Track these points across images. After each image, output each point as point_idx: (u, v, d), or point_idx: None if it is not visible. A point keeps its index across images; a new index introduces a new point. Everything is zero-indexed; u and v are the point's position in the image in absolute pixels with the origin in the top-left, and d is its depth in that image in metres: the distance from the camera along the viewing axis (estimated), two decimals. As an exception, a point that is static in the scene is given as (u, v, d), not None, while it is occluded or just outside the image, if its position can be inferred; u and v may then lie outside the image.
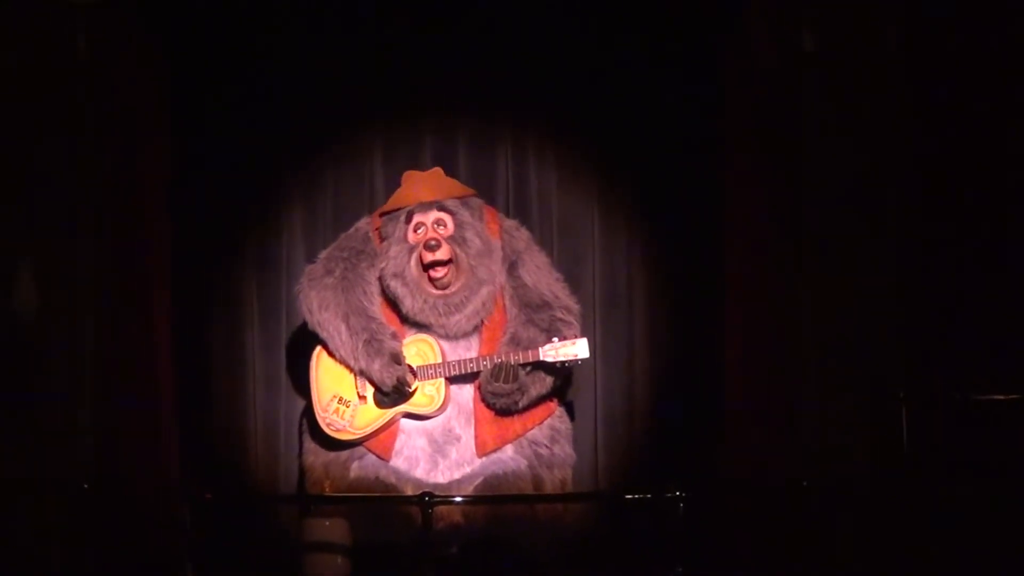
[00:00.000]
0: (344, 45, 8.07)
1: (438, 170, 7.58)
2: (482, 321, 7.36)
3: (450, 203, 7.39)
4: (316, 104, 8.12)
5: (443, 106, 8.18)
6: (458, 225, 7.34)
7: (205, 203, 8.07)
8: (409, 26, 8.05)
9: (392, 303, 7.35)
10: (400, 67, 8.09)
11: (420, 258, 7.26)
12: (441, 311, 7.27)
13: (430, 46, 8.07)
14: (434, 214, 7.35)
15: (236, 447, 8.04)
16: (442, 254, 7.25)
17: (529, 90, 8.12)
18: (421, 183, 7.47)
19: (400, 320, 7.38)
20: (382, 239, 7.43)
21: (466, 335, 7.36)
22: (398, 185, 7.59)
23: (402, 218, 7.38)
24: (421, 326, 7.34)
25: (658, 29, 7.99)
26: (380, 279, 7.36)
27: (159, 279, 7.82)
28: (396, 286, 7.29)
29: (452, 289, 7.27)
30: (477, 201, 7.51)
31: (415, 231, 7.34)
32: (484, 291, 7.31)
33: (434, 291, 7.27)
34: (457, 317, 7.29)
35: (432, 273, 7.25)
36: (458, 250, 7.29)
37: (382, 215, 7.51)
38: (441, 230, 7.32)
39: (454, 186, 7.53)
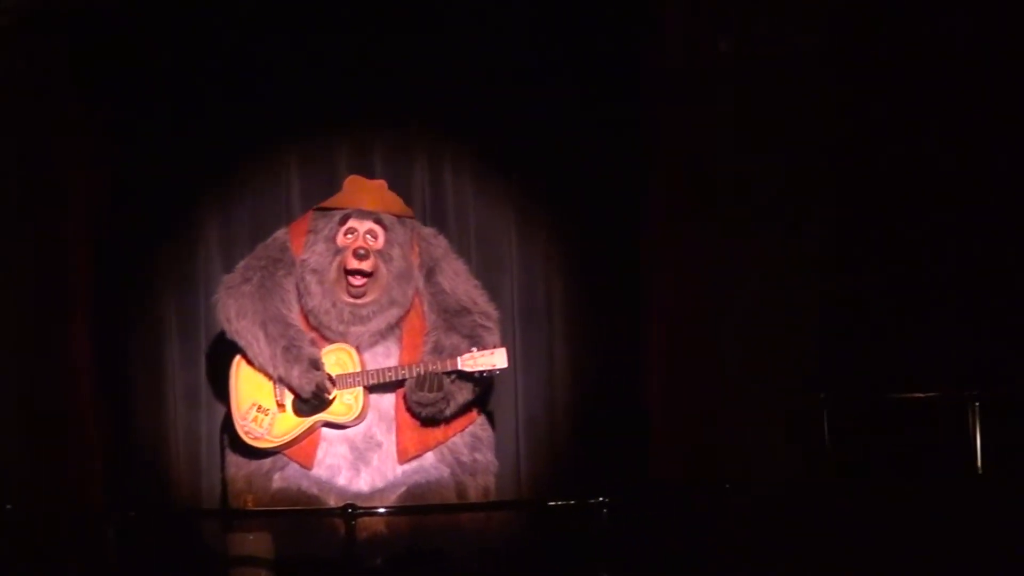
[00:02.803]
0: (257, 60, 8.05)
1: (383, 183, 7.60)
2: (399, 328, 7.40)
3: (387, 218, 7.39)
4: (229, 120, 8.09)
5: (358, 117, 8.19)
6: (388, 241, 7.35)
7: (122, 221, 8.02)
8: (321, 38, 8.04)
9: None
10: (313, 79, 8.08)
11: (344, 262, 7.27)
12: (346, 319, 7.28)
13: (343, 57, 8.08)
14: (369, 224, 7.35)
15: (158, 463, 8.00)
16: (368, 266, 7.26)
17: (445, 99, 8.12)
18: (365, 191, 7.48)
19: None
20: (310, 232, 7.40)
21: (379, 343, 7.36)
22: (314, 199, 7.66)
23: (336, 218, 7.38)
24: (321, 329, 7.34)
25: (576, 39, 8.00)
26: (299, 266, 7.34)
27: (79, 298, 7.79)
28: (311, 280, 7.30)
29: (364, 300, 7.28)
30: (411, 223, 7.52)
31: (346, 235, 7.34)
32: (393, 312, 7.33)
33: (346, 298, 7.28)
34: (359, 329, 7.30)
35: (352, 280, 7.25)
36: (382, 265, 7.30)
37: (316, 210, 7.49)
38: (371, 241, 7.32)
39: (396, 202, 7.53)
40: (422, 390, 7.19)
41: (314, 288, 7.29)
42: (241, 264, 7.48)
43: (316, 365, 7.21)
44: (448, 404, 7.26)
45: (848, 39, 7.66)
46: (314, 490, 7.24)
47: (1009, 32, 7.57)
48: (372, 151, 8.19)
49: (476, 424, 7.47)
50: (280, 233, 7.53)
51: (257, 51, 8.04)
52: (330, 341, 7.33)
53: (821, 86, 7.62)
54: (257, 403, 7.31)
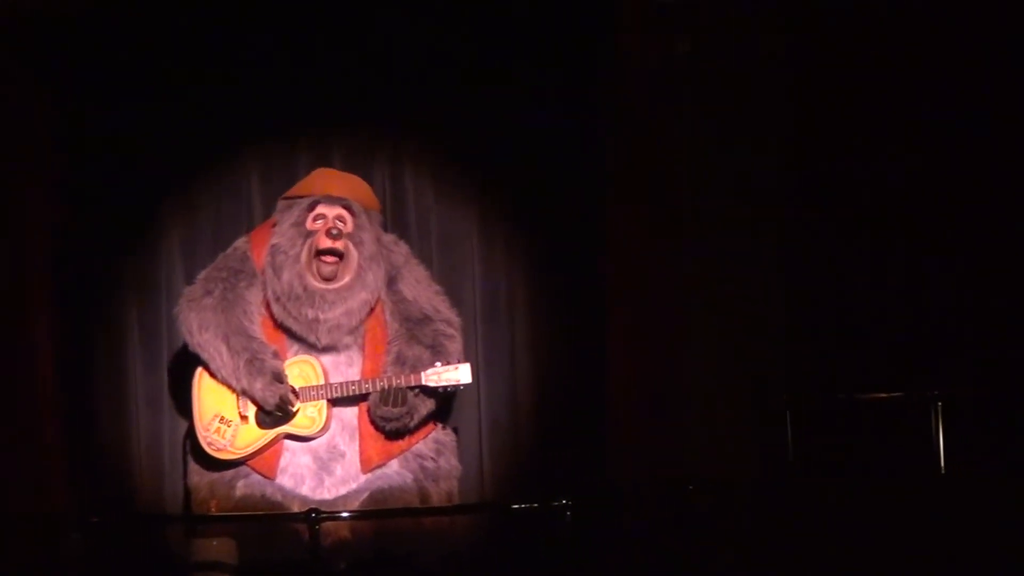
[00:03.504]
0: (218, 66, 8.02)
1: (351, 174, 7.58)
2: (361, 329, 7.34)
3: (355, 205, 7.36)
4: (192, 126, 8.05)
5: (318, 123, 8.15)
6: (357, 226, 7.31)
7: (84, 226, 7.98)
8: (283, 44, 8.02)
9: (275, 320, 7.33)
10: (274, 86, 8.06)
11: (315, 243, 7.22)
12: (316, 303, 7.21)
13: (303, 63, 8.04)
14: (338, 210, 7.31)
15: (121, 469, 7.97)
16: (340, 245, 7.20)
17: (404, 104, 8.10)
18: (334, 178, 7.47)
19: (282, 331, 7.34)
20: (276, 224, 7.37)
21: (342, 347, 7.33)
22: (276, 203, 7.59)
23: (304, 204, 7.34)
24: (288, 321, 7.30)
25: (533, 42, 8.00)
26: (268, 251, 7.29)
27: (41, 303, 7.75)
28: (282, 262, 7.23)
29: (335, 285, 7.22)
30: (376, 215, 7.50)
31: (315, 220, 7.29)
32: (362, 296, 7.27)
33: (317, 283, 7.22)
34: (327, 315, 7.21)
35: (324, 259, 7.21)
36: (353, 248, 7.26)
37: (283, 199, 7.47)
38: (340, 225, 7.27)
39: (366, 191, 7.51)
40: (386, 405, 7.16)
41: (285, 272, 7.23)
42: (202, 275, 7.43)
43: (279, 378, 7.18)
44: (412, 418, 7.24)
45: (810, 41, 7.68)
46: (278, 497, 7.22)
47: (976, 30, 7.59)
48: (332, 156, 8.12)
49: (439, 429, 7.47)
50: (240, 243, 7.49)
51: (217, 57, 8.00)
52: (296, 334, 7.29)
53: (783, 88, 7.63)
54: (220, 414, 7.27)
